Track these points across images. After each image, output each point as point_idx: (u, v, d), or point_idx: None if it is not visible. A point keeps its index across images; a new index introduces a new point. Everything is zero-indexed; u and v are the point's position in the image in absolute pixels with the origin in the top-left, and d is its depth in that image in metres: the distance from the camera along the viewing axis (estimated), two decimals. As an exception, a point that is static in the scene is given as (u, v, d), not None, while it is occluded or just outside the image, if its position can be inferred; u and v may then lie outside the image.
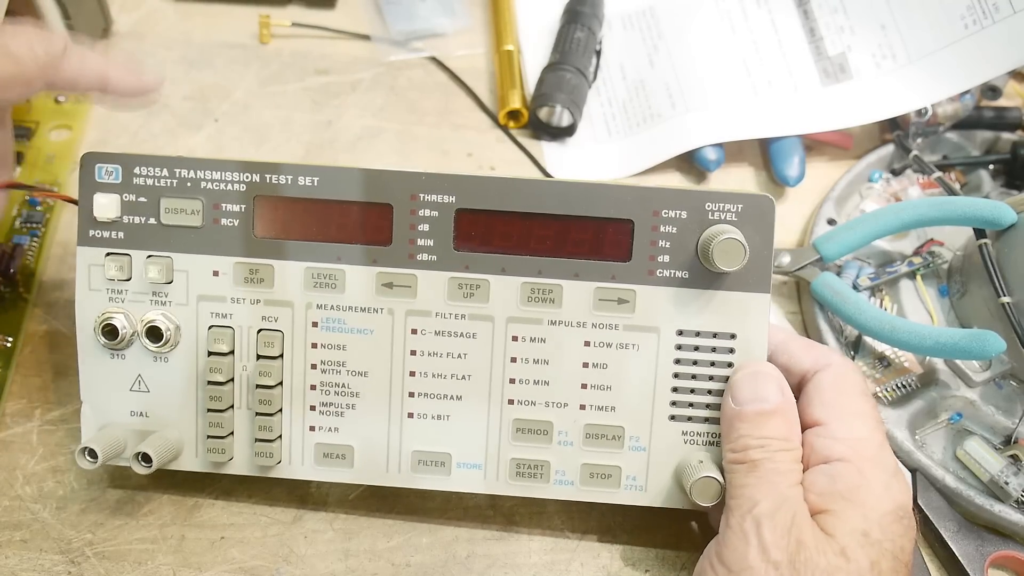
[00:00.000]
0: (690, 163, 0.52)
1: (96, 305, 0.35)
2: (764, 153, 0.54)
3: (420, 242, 0.35)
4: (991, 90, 0.52)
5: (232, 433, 0.36)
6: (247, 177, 0.35)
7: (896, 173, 0.52)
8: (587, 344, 0.35)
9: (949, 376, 0.43)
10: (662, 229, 0.34)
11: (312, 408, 0.36)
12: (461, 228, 0.35)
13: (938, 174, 0.48)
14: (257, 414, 0.36)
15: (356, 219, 0.35)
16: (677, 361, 0.35)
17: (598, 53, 0.56)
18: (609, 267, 0.35)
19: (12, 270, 0.43)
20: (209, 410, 0.35)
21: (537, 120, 0.53)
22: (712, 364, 0.35)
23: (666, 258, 0.34)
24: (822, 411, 0.33)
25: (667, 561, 0.38)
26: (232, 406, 0.36)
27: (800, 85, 0.52)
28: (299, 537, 0.38)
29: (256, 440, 0.36)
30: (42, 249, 0.46)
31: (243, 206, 0.35)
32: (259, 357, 0.35)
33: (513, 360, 0.35)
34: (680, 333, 0.35)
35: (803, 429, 0.34)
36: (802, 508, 0.31)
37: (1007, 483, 0.39)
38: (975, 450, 0.40)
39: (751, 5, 0.54)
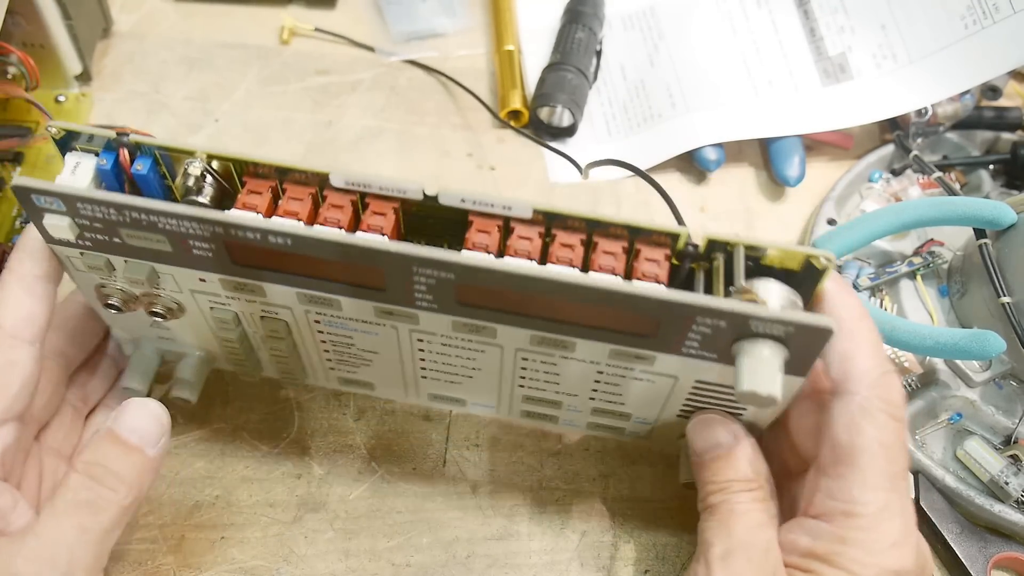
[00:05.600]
0: (690, 163, 0.52)
1: (91, 280, 0.33)
2: (764, 153, 0.54)
3: (418, 296, 0.30)
4: (991, 90, 0.52)
5: (253, 354, 0.38)
6: (209, 231, 0.29)
7: (896, 173, 0.52)
8: (600, 374, 0.33)
9: (949, 376, 0.43)
10: (695, 328, 0.29)
11: (328, 360, 0.37)
12: (463, 294, 0.30)
13: (938, 174, 0.48)
14: (272, 355, 0.37)
15: (343, 271, 0.30)
16: (693, 394, 0.33)
17: (599, 53, 0.56)
18: (631, 339, 0.30)
19: (12, 270, 0.43)
20: (225, 341, 0.36)
21: (538, 120, 0.54)
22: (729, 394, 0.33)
23: (695, 345, 0.30)
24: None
25: (667, 561, 0.38)
26: (252, 348, 0.37)
27: (800, 85, 0.52)
28: (299, 537, 0.38)
29: (277, 363, 0.38)
30: (42, 249, 0.45)
31: (213, 246, 0.30)
32: (267, 336, 0.35)
33: (522, 377, 0.34)
34: (700, 382, 0.32)
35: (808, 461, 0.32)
36: (759, 553, 0.30)
37: (1007, 483, 0.39)
38: (975, 450, 0.40)
39: (751, 5, 0.54)
